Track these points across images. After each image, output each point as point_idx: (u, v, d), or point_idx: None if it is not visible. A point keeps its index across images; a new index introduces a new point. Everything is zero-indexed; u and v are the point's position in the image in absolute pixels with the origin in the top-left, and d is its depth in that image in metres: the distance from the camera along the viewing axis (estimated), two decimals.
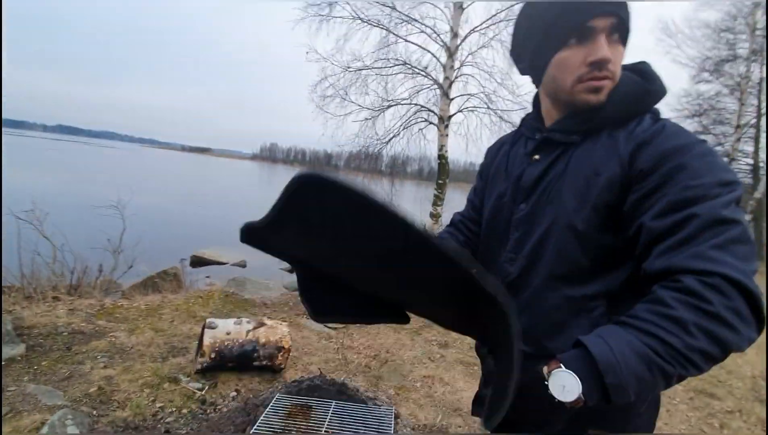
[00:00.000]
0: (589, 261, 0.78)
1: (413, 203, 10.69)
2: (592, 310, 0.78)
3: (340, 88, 8.13)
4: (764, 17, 12.51)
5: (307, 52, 8.26)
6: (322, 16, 7.91)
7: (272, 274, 9.20)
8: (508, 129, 7.79)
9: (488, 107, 8.11)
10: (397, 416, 1.60)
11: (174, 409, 2.44)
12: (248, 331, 2.88)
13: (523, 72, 0.93)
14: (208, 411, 2.49)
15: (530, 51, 0.85)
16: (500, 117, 8.02)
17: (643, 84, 0.80)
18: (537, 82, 0.90)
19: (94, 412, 2.42)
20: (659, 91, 0.81)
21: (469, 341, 4.00)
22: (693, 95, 15.18)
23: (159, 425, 2.30)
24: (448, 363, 3.59)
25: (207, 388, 2.68)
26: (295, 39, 9.06)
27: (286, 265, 10.38)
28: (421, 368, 3.44)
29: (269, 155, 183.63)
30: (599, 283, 0.78)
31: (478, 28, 7.83)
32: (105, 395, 2.54)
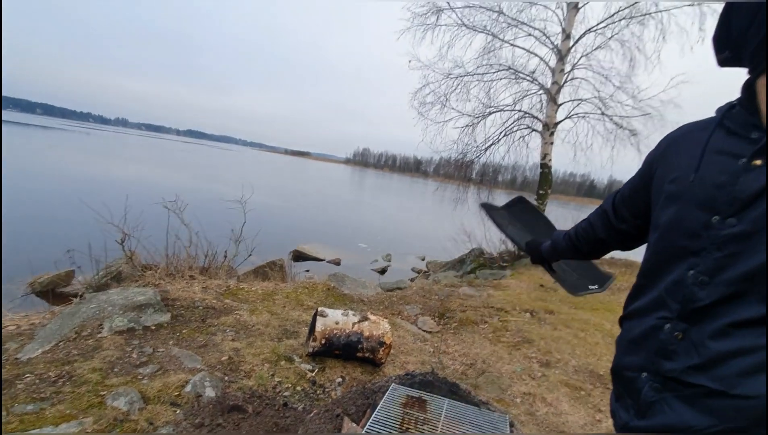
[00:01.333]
0: None
1: None
2: None
3: (441, 94, 8.20)
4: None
5: (410, 61, 8.49)
6: (427, 25, 8.07)
7: (364, 273, 9.60)
8: (625, 137, 7.09)
9: (603, 113, 7.46)
10: (511, 425, 1.56)
11: (290, 385, 2.70)
12: (354, 323, 3.05)
13: (727, 62, 0.80)
14: (318, 392, 2.70)
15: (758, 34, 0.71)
16: (617, 124, 7.32)
17: None
18: (757, 69, 0.76)
19: (226, 378, 2.78)
20: None
21: (574, 363, 3.71)
22: None
23: (278, 398, 2.56)
24: (550, 383, 3.38)
25: (316, 370, 2.91)
26: (399, 48, 9.36)
27: (376, 265, 10.75)
28: (521, 384, 3.29)
29: (361, 160, 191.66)
30: None
31: (594, 28, 7.27)
32: (234, 364, 2.90)
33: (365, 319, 3.13)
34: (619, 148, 7.51)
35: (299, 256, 10.18)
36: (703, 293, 0.77)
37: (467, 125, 8.14)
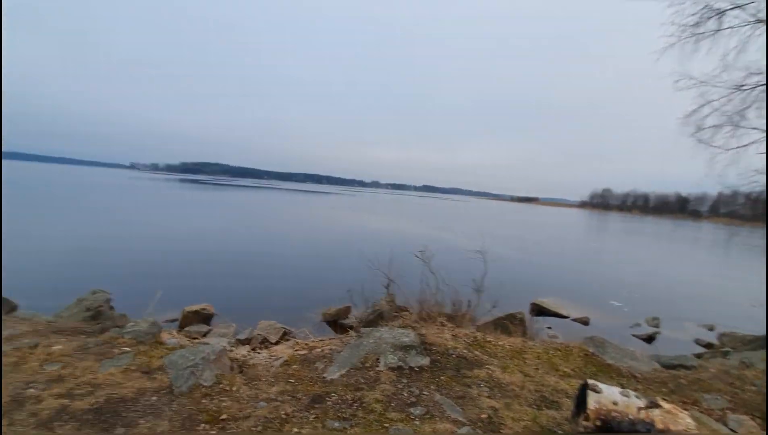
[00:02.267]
0: None
1: None
2: None
3: (730, 113, 6.34)
4: None
5: (677, 81, 7.04)
6: (701, 34, 6.57)
7: (624, 339, 7.99)
8: None
9: None
10: None
11: None
12: (639, 409, 2.46)
13: None
14: None
15: None
16: None
17: None
18: None
19: None
20: None
21: None
22: None
23: None
24: None
25: None
26: (656, 70, 7.98)
27: (638, 330, 8.78)
28: None
29: (600, 202, 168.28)
30: None
31: None
32: (494, 425, 2.80)
33: (655, 405, 2.49)
34: None
35: (539, 311, 9.45)
36: None
37: None
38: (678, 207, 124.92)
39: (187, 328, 6.95)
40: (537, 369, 3.87)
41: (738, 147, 6.27)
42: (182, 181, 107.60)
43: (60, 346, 3.66)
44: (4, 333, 4.05)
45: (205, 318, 7.40)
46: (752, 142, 6.16)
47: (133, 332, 4.18)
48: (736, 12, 6.27)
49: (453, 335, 4.73)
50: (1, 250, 5.87)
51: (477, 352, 4.20)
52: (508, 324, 7.18)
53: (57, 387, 2.89)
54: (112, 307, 7.02)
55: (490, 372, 3.67)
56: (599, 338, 4.83)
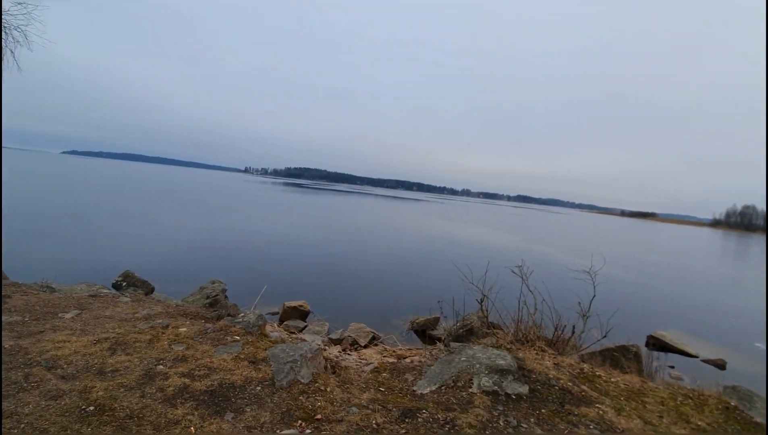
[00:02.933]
0: None
1: None
2: None
3: None
4: None
5: None
6: None
7: None
8: None
9: None
10: None
11: None
12: None
13: None
14: None
15: None
16: None
17: None
18: None
19: None
20: None
21: None
22: None
23: None
24: None
25: None
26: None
27: None
28: None
29: (740, 221, 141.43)
30: None
31: None
32: None
33: None
34: None
35: (659, 346, 8.17)
36: None
37: None
38: None
39: (286, 323, 7.48)
40: (661, 417, 3.29)
41: None
42: (286, 184, 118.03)
43: (185, 329, 4.17)
44: (144, 312, 4.76)
45: (302, 314, 7.88)
46: None
47: (243, 323, 4.58)
48: None
49: (555, 364, 4.29)
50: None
51: (584, 387, 3.73)
52: (620, 357, 6.33)
53: (181, 366, 3.27)
54: (226, 297, 7.89)
55: (601, 412, 3.22)
56: (744, 389, 3.95)
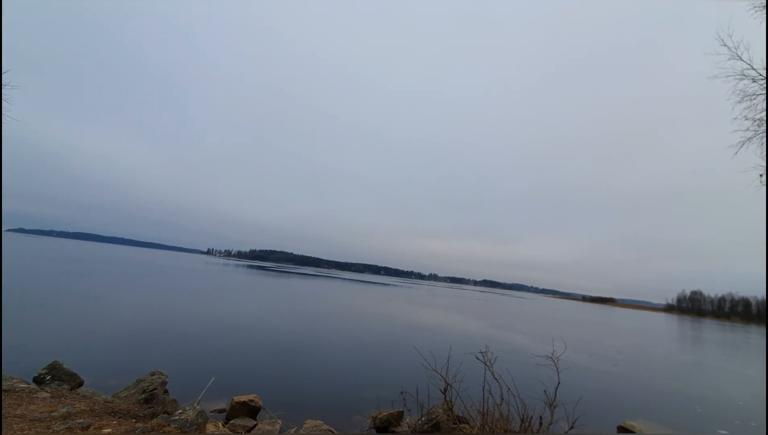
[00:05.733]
0: None
1: None
2: None
3: None
4: None
5: (761, 175, 6.46)
6: None
7: None
8: None
9: None
10: None
11: None
12: None
13: None
14: None
15: None
16: None
17: None
18: None
19: None
20: None
21: None
22: None
23: None
24: None
25: None
26: (734, 166, 7.46)
27: None
28: None
29: (690, 306, 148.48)
30: None
31: None
32: None
33: None
34: None
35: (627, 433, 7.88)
36: None
37: None
38: None
39: (233, 421, 6.68)
40: None
41: None
42: (250, 266, 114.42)
43: (109, 430, 3.63)
44: (63, 410, 4.15)
45: (252, 411, 7.10)
46: None
47: (179, 421, 4.07)
48: None
49: None
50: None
51: None
52: None
53: None
54: (166, 391, 7.06)
55: None
56: None
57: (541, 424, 5.16)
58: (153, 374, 6.87)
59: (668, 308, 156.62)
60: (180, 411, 4.33)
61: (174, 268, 59.50)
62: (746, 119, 6.69)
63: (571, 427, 5.10)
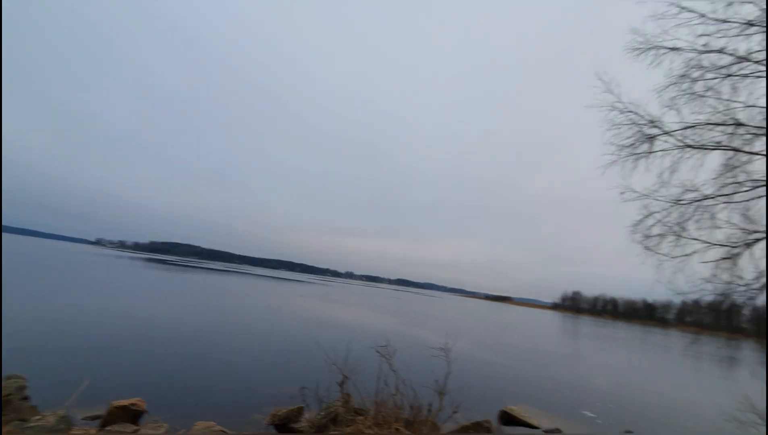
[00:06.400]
0: None
1: None
2: None
3: (671, 224, 6.85)
4: None
5: (622, 193, 7.71)
6: (638, 154, 7.40)
7: None
8: None
9: None
10: None
11: None
12: None
13: None
14: None
15: None
16: None
17: None
18: None
19: None
20: None
21: None
22: None
23: None
24: None
25: None
26: (608, 181, 8.71)
27: None
28: None
29: (572, 304, 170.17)
30: None
31: None
32: None
33: None
34: None
35: (508, 420, 8.81)
36: None
37: (723, 258, 6.27)
38: (646, 313, 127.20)
39: (109, 427, 6.04)
40: None
41: (682, 255, 6.65)
42: (148, 259, 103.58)
43: None
44: None
45: (133, 416, 6.50)
46: (694, 252, 6.56)
47: (35, 428, 3.59)
48: (665, 137, 7.16)
49: None
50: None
51: None
52: (474, 434, 6.63)
53: None
54: (26, 397, 6.13)
55: None
56: None
57: (430, 410, 5.55)
58: (9, 378, 5.91)
59: (554, 306, 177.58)
60: (37, 417, 3.81)
61: (51, 259, 51.48)
62: (612, 145, 7.85)
63: (455, 412, 5.57)
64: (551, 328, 49.50)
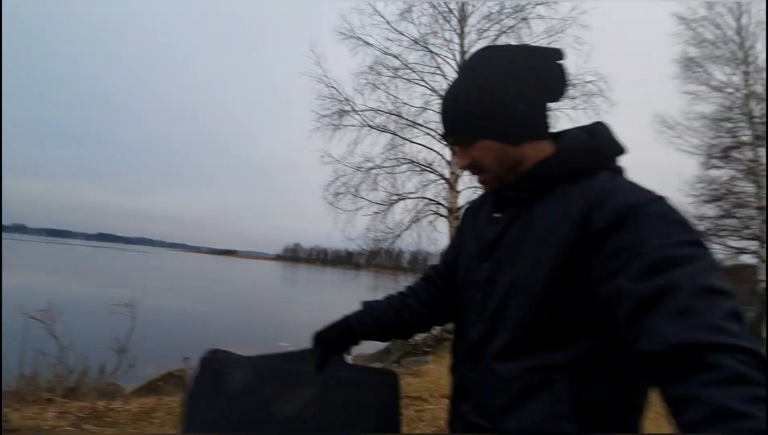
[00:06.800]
0: (550, 328, 0.70)
1: None
2: (554, 382, 0.68)
3: (351, 186, 8.65)
4: (760, 106, 12.85)
5: (321, 156, 9.03)
6: (335, 125, 8.80)
7: None
8: None
9: None
10: None
11: None
12: None
13: None
14: None
15: None
16: None
17: (585, 141, 0.78)
18: None
19: None
20: (606, 148, 0.78)
21: None
22: (707, 181, 14.99)
23: None
24: None
25: None
26: (312, 146, 9.87)
27: None
28: None
29: (292, 255, 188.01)
30: (562, 353, 0.69)
31: None
32: None
33: None
34: None
35: None
36: (474, 332, 0.81)
37: (376, 212, 8.56)
38: (348, 259, 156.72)
39: None
40: (162, 425, 3.57)
41: (353, 210, 8.63)
42: None
43: None
44: None
45: None
46: (361, 208, 8.66)
47: None
48: (355, 115, 8.76)
49: (61, 412, 3.73)
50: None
51: (89, 426, 3.45)
52: (162, 384, 6.44)
53: None
54: None
55: None
56: None
57: (102, 372, 4.98)
58: None
59: (277, 258, 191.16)
60: None
61: None
62: (317, 114, 8.92)
63: (131, 366, 5.24)
64: (269, 278, 53.28)
